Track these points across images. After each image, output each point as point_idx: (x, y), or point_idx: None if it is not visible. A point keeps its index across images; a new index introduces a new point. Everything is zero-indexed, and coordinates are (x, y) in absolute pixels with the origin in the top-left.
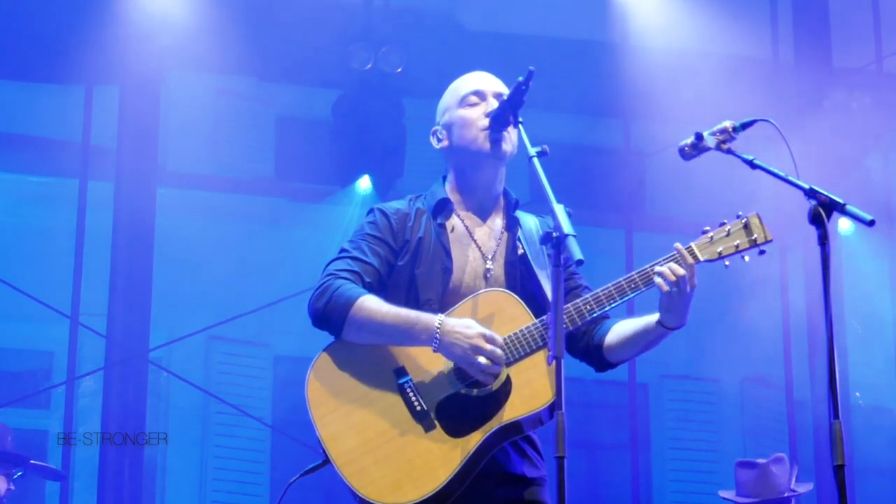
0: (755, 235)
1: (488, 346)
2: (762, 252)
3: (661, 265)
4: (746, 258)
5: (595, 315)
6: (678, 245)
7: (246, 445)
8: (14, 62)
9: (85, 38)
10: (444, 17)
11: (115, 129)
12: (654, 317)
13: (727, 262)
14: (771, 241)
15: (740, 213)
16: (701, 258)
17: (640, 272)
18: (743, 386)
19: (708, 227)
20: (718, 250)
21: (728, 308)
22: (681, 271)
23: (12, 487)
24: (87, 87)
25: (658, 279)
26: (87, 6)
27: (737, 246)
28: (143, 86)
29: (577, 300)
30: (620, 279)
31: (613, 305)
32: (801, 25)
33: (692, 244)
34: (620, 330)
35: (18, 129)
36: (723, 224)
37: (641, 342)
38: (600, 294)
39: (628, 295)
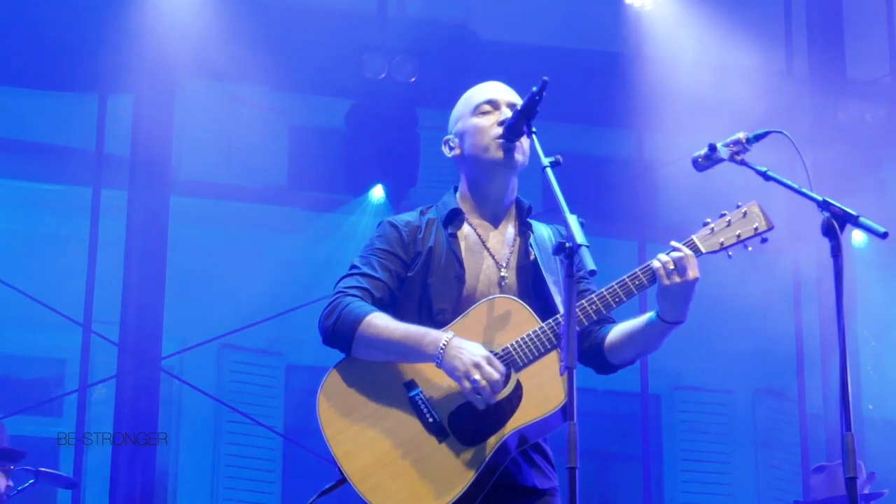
0: (756, 224)
1: (487, 369)
2: (764, 240)
3: (663, 255)
4: (749, 248)
5: (602, 315)
6: (675, 242)
7: (258, 454)
8: (29, 71)
9: (99, 47)
10: (458, 27)
11: (128, 137)
12: (654, 313)
13: (730, 253)
14: (772, 228)
15: (739, 203)
16: (703, 250)
17: (642, 268)
18: (755, 397)
19: (709, 219)
20: (720, 241)
21: (741, 320)
22: (679, 255)
23: (11, 484)
24: (101, 96)
25: (656, 263)
26: (101, 15)
27: (738, 235)
28: (156, 94)
29: (583, 301)
30: (624, 276)
31: (620, 304)
32: (815, 37)
33: (693, 237)
34: (622, 329)
35: (33, 137)
36: (723, 215)
37: (642, 340)
38: (605, 293)
39: (634, 292)
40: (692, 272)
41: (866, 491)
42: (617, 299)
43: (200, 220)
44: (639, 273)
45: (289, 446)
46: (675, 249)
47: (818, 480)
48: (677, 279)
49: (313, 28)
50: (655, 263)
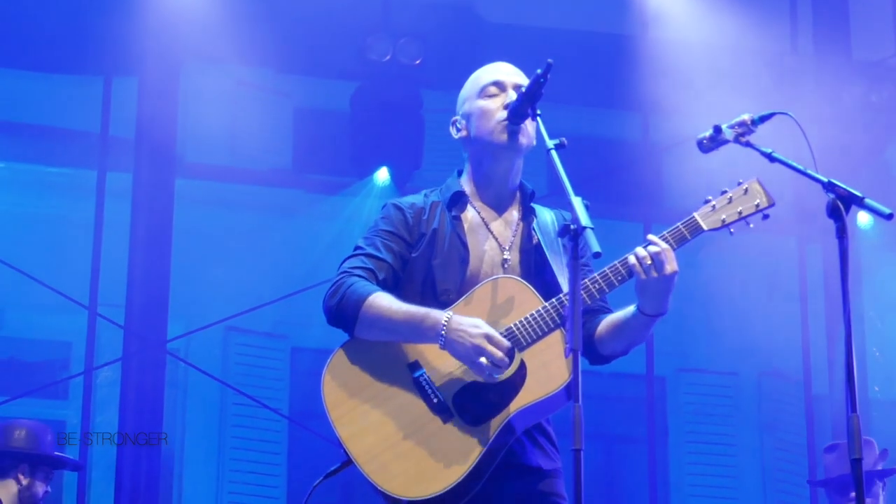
0: (757, 201)
1: (490, 348)
2: (766, 217)
3: (640, 249)
4: (751, 224)
5: (604, 294)
6: (651, 236)
7: (263, 437)
8: (33, 53)
9: (104, 29)
10: (463, 9)
11: (133, 120)
12: (635, 306)
13: (732, 230)
14: (773, 204)
15: (741, 180)
16: (705, 227)
17: (643, 246)
18: (761, 379)
19: (710, 197)
20: (722, 218)
21: (746, 301)
22: (656, 249)
23: (49, 490)
24: (105, 79)
25: (632, 259)
26: None
27: (740, 212)
28: (161, 77)
29: (586, 279)
30: (626, 254)
31: (622, 282)
32: (820, 18)
33: (695, 214)
34: (610, 321)
35: (37, 120)
36: (724, 192)
37: (627, 332)
38: (607, 271)
39: (626, 278)
40: (670, 266)
41: (879, 467)
42: (618, 276)
43: (205, 202)
44: (617, 265)
45: (294, 429)
46: (651, 243)
47: (830, 459)
48: (654, 274)
49: (317, 10)
50: (631, 258)
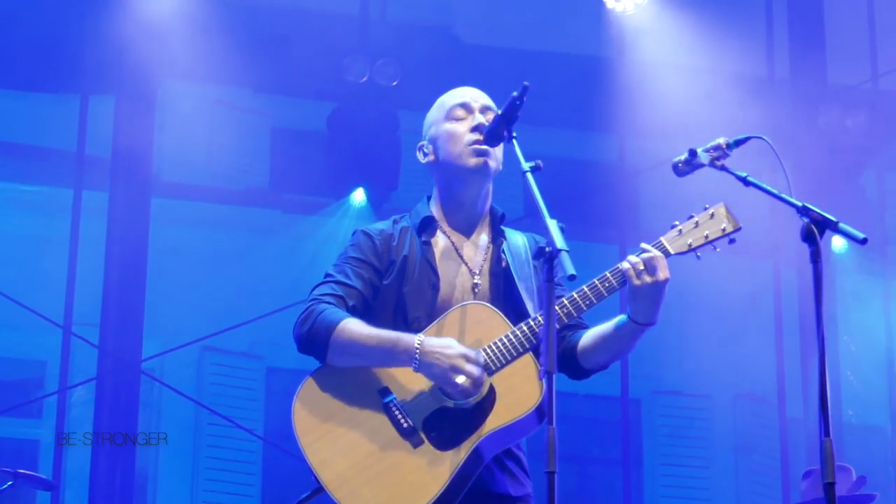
0: (724, 225)
1: (468, 366)
2: (732, 241)
3: (632, 256)
4: (718, 248)
5: (573, 318)
6: (644, 244)
7: (238, 457)
8: (10, 71)
9: (81, 47)
10: (441, 31)
11: (109, 138)
12: (625, 315)
13: (699, 254)
14: (739, 229)
15: (707, 205)
16: (672, 251)
17: (612, 270)
18: (735, 402)
19: (677, 222)
20: (688, 242)
21: (721, 324)
22: (649, 255)
23: None
24: (82, 97)
25: (625, 264)
26: (82, 16)
27: (706, 237)
28: (138, 96)
29: (557, 304)
30: (594, 279)
31: (591, 306)
32: (796, 42)
33: (662, 238)
34: (594, 333)
35: (13, 138)
36: (691, 217)
37: (614, 343)
38: (575, 296)
39: (604, 295)
40: (662, 273)
41: (858, 492)
42: (587, 302)
43: (181, 222)
44: (608, 275)
45: (269, 449)
46: (644, 251)
47: (806, 485)
48: (648, 279)
49: (295, 31)
50: (624, 265)
